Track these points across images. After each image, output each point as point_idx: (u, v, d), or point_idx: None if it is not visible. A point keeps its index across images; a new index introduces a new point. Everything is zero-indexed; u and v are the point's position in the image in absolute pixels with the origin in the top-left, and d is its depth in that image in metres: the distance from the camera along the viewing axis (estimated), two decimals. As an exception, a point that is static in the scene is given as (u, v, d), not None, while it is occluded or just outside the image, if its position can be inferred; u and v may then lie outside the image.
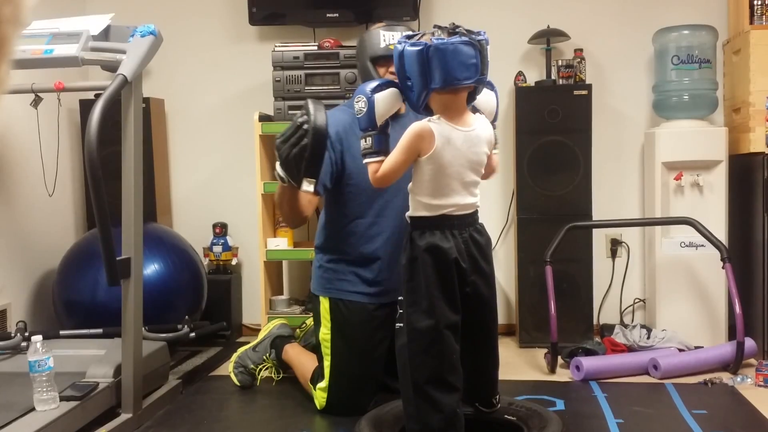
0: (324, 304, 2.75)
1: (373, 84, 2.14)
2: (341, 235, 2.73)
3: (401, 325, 2.18)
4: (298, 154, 2.34)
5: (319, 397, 2.72)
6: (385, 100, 2.11)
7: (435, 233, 2.12)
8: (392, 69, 2.60)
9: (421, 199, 2.14)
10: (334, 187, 2.67)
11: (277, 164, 2.44)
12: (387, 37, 2.69)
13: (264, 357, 3.08)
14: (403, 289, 2.18)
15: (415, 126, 2.08)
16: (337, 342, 2.72)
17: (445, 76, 2.00)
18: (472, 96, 2.15)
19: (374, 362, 2.73)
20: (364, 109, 2.10)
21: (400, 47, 2.05)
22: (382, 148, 2.11)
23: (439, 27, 2.06)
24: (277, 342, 3.07)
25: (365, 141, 2.12)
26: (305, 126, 2.33)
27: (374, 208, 2.69)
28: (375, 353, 2.73)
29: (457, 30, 2.04)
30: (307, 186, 2.38)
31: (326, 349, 2.72)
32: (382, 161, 2.11)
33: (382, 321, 2.73)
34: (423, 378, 2.12)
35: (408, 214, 2.19)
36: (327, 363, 2.71)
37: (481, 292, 2.21)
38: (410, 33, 2.14)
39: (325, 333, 2.74)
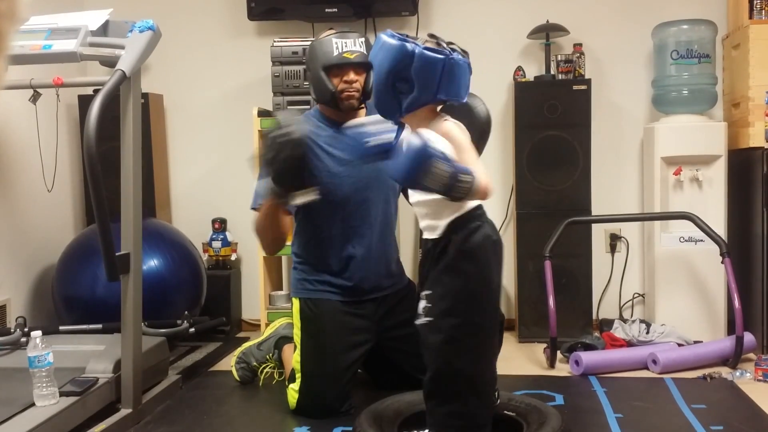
0: (295, 304, 2.77)
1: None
2: (311, 244, 2.76)
3: (430, 319, 2.03)
4: (282, 169, 2.35)
5: (291, 396, 2.70)
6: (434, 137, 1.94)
7: (485, 224, 2.03)
8: (346, 78, 2.61)
9: None
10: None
11: (260, 181, 2.46)
12: (340, 45, 2.63)
13: (267, 356, 3.08)
14: (459, 284, 2.01)
15: (451, 125, 1.98)
16: (305, 342, 2.71)
17: (456, 90, 1.95)
18: None
19: (347, 364, 2.69)
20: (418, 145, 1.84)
21: (410, 47, 1.89)
22: (468, 170, 1.88)
23: (434, 37, 1.96)
24: (281, 343, 3.07)
25: (446, 168, 1.83)
26: (280, 140, 2.33)
27: (342, 217, 2.70)
28: (348, 355, 2.70)
29: (451, 46, 1.96)
30: (299, 200, 2.40)
31: (297, 350, 2.72)
32: (475, 176, 1.89)
33: (359, 322, 2.73)
34: (483, 376, 2.05)
35: (448, 218, 2.01)
36: (297, 364, 2.70)
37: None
38: (393, 34, 1.95)
39: (296, 334, 2.75)
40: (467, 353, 2.02)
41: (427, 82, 1.90)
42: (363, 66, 2.66)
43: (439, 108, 2.03)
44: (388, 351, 2.83)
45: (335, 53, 2.62)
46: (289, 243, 2.84)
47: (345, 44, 2.63)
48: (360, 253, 2.72)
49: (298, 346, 2.73)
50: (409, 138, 1.86)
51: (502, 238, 2.09)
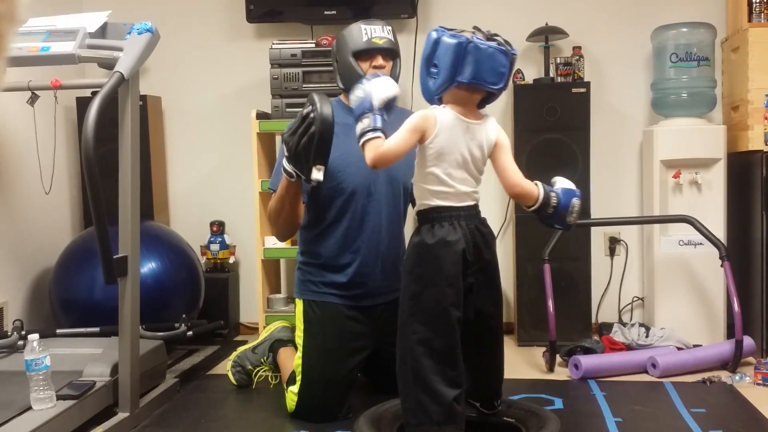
0: (299, 305, 2.77)
1: (369, 77, 2.17)
2: (318, 239, 2.73)
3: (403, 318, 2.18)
4: (307, 142, 2.33)
5: (290, 399, 2.68)
6: (382, 84, 2.12)
7: (444, 225, 2.13)
8: (375, 63, 2.65)
9: (425, 186, 2.15)
10: (313, 189, 2.65)
11: (284, 160, 2.45)
12: (369, 31, 2.66)
13: (262, 360, 3.07)
14: (405, 280, 2.18)
15: (421, 111, 2.14)
16: (308, 344, 2.70)
17: (475, 74, 2.05)
18: (483, 102, 2.19)
19: (348, 369, 2.68)
20: (361, 95, 2.12)
21: (435, 35, 2.08)
22: (380, 126, 2.09)
23: (479, 29, 2.11)
24: (275, 346, 3.06)
25: (363, 122, 2.10)
26: (312, 115, 2.33)
27: (350, 211, 2.68)
28: (349, 360, 2.69)
29: (495, 37, 2.10)
30: (317, 174, 2.36)
31: (299, 352, 2.71)
32: (381, 138, 2.08)
33: (361, 328, 2.73)
34: (424, 369, 2.10)
35: (416, 209, 2.21)
36: (299, 366, 2.69)
37: (484, 285, 2.21)
38: (438, 28, 2.12)
39: (299, 335, 2.74)
40: (413, 349, 2.13)
41: (446, 65, 2.06)
42: (390, 53, 2.71)
43: (479, 98, 2.16)
44: (387, 356, 2.82)
45: (364, 38, 2.66)
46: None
47: (374, 30, 2.67)
48: (367, 248, 2.69)
49: (300, 348, 2.72)
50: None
51: (439, 240, 2.13)
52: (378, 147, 2.09)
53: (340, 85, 2.75)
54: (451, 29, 2.09)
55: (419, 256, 2.16)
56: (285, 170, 2.47)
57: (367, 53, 2.66)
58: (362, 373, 2.87)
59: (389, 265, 2.74)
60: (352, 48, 2.66)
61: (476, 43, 2.04)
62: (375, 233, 2.70)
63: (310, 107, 2.35)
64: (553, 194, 2.22)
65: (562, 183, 2.29)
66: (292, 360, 2.87)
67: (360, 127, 2.11)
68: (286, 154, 2.43)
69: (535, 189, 2.21)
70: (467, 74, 2.05)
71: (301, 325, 2.74)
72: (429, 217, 2.16)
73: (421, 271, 2.14)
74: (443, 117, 2.12)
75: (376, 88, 2.11)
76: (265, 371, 3.07)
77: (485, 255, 2.20)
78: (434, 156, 2.12)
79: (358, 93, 2.14)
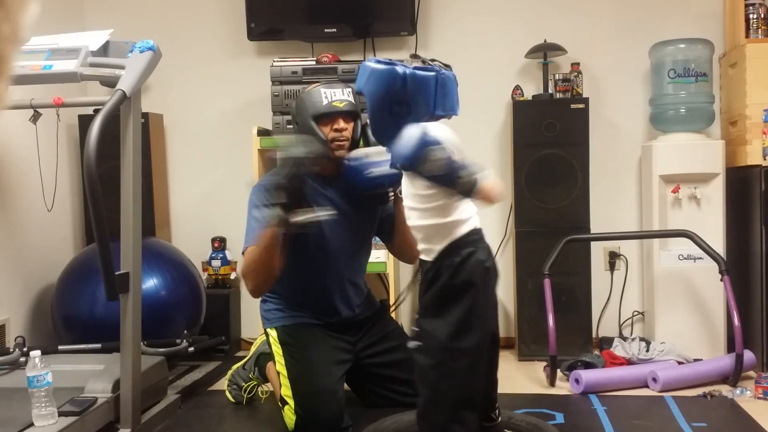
0: (272, 334, 2.80)
1: (418, 129, 1.91)
2: (286, 283, 2.77)
3: (419, 343, 2.06)
4: (290, 183, 2.36)
5: (288, 419, 2.67)
6: (446, 132, 1.98)
7: (480, 249, 2.03)
8: (336, 126, 2.64)
9: (458, 217, 2.01)
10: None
11: (269, 209, 2.40)
12: (329, 95, 2.65)
13: (250, 375, 3.07)
14: (432, 305, 2.04)
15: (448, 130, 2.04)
16: (291, 364, 2.70)
17: (451, 104, 2.00)
18: None
19: (336, 378, 2.70)
20: (446, 155, 1.87)
21: (401, 69, 1.92)
22: (479, 170, 1.92)
23: (417, 56, 2.02)
24: (260, 360, 3.06)
25: (467, 171, 1.89)
26: (292, 158, 2.36)
27: (316, 263, 2.74)
28: (336, 368, 2.72)
29: (434, 62, 2.00)
30: (303, 216, 2.37)
31: (285, 379, 2.70)
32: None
33: (337, 342, 2.78)
34: (459, 400, 2.04)
35: (441, 243, 2.02)
36: (287, 390, 2.67)
37: None
38: (379, 60, 2.00)
39: (279, 362, 2.74)
40: (453, 378, 2.02)
41: (424, 101, 1.93)
42: (351, 115, 2.71)
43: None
44: (369, 367, 2.87)
45: (324, 102, 2.64)
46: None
47: (334, 93, 2.66)
48: (332, 295, 2.80)
49: (283, 373, 2.71)
50: (408, 128, 1.89)
51: (496, 263, 2.08)
52: (495, 187, 1.93)
53: None
54: (385, 61, 1.97)
55: (476, 280, 2.01)
56: (271, 219, 2.40)
57: (328, 116, 2.65)
58: (350, 388, 2.89)
59: (354, 301, 2.87)
60: (312, 112, 2.65)
61: (446, 74, 1.97)
62: (340, 280, 2.80)
63: (284, 152, 2.38)
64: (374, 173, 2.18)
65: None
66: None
67: (466, 173, 1.88)
68: (272, 200, 2.39)
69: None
70: (443, 107, 1.97)
71: (279, 350, 2.75)
72: (474, 239, 2.04)
73: (475, 298, 2.01)
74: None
75: (447, 138, 1.94)
76: (254, 386, 3.07)
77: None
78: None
79: (439, 154, 1.85)
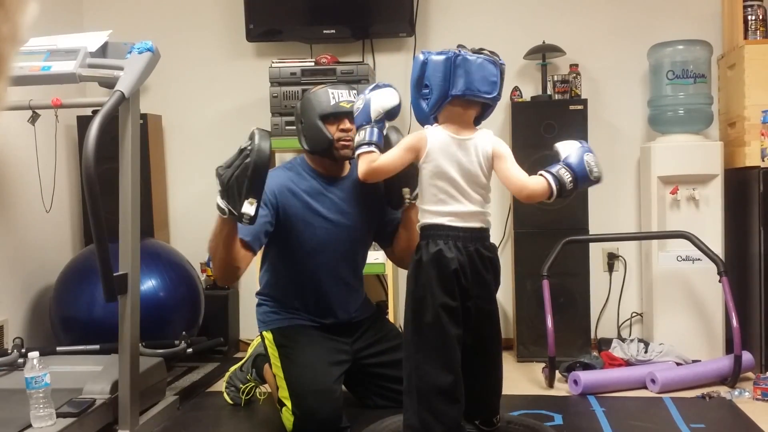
0: (267, 337, 2.80)
1: (371, 85, 2.25)
2: (280, 285, 2.81)
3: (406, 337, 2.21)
4: (241, 174, 2.31)
5: (287, 420, 2.67)
6: (382, 95, 2.19)
7: (438, 242, 2.14)
8: (342, 126, 2.67)
9: (423, 206, 2.20)
10: (271, 243, 2.72)
11: (217, 196, 2.40)
12: (336, 95, 2.67)
13: (247, 376, 3.07)
14: (407, 299, 2.21)
15: (419, 131, 2.20)
16: (288, 366, 2.70)
17: (468, 85, 2.10)
18: (478, 119, 2.23)
19: (334, 378, 2.69)
20: (361, 106, 2.19)
21: (422, 57, 2.13)
22: (375, 140, 2.18)
23: (463, 47, 2.15)
24: (258, 361, 3.05)
25: (359, 134, 2.20)
26: (248, 148, 2.33)
27: (312, 265, 2.75)
28: (333, 369, 2.71)
29: (482, 51, 2.14)
30: (249, 208, 2.31)
31: (282, 381, 2.69)
32: (375, 153, 2.16)
33: (335, 344, 2.78)
34: (428, 387, 2.12)
35: (418, 225, 2.24)
36: (285, 391, 2.67)
37: (484, 310, 2.22)
38: (424, 51, 2.19)
39: (275, 365, 2.74)
40: (418, 368, 2.14)
41: (438, 82, 2.10)
42: None
43: (474, 114, 2.21)
44: (367, 368, 2.87)
45: (332, 102, 2.66)
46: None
47: (340, 94, 2.68)
48: (328, 298, 2.80)
49: (280, 375, 2.70)
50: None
51: (441, 257, 2.14)
52: (372, 161, 2.15)
53: (305, 146, 2.75)
54: (439, 52, 2.14)
55: (415, 274, 2.18)
56: (218, 206, 2.41)
57: (334, 116, 2.67)
58: (347, 389, 2.89)
59: (351, 304, 2.88)
60: (319, 111, 2.66)
61: (464, 56, 2.09)
62: (337, 283, 2.80)
63: (249, 141, 2.35)
64: (563, 171, 2.20)
65: (564, 149, 2.27)
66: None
67: (357, 139, 2.19)
68: (219, 188, 2.39)
69: (544, 183, 2.20)
70: (460, 86, 2.09)
71: (275, 353, 2.74)
72: (425, 234, 2.19)
73: (418, 289, 2.16)
74: (434, 136, 2.15)
75: (375, 98, 2.17)
76: (252, 387, 3.07)
77: (486, 278, 2.20)
78: (429, 175, 2.15)
79: (358, 103, 2.20)
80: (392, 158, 2.17)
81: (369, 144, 2.17)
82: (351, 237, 2.79)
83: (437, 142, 2.14)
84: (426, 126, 2.20)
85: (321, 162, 2.76)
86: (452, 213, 2.15)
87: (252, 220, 2.34)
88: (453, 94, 2.10)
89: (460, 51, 2.11)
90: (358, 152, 2.19)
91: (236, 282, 2.76)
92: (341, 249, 2.77)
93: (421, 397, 2.12)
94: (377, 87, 2.25)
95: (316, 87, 2.76)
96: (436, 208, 2.16)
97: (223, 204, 2.39)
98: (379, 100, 2.19)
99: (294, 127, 3.04)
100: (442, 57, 2.10)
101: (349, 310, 2.86)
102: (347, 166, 2.82)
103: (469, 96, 2.12)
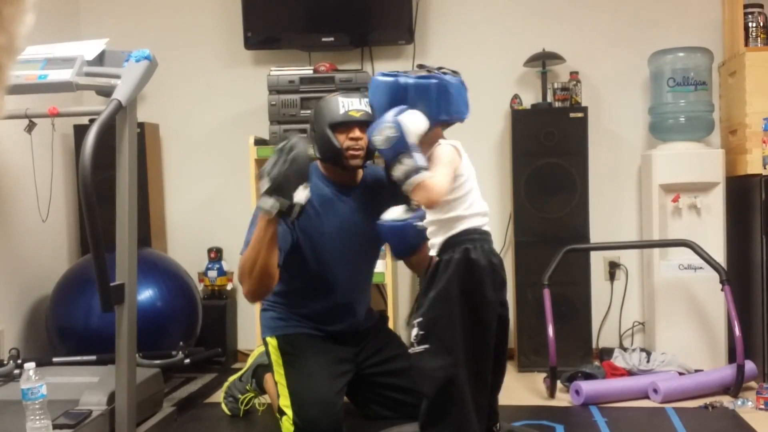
0: (272, 343, 2.77)
1: (393, 111, 2.05)
2: (289, 291, 2.78)
3: (426, 346, 2.09)
4: (290, 166, 2.33)
5: (286, 429, 2.64)
6: (411, 119, 2.03)
7: (483, 245, 2.11)
8: (352, 135, 2.65)
9: (458, 213, 2.10)
10: (292, 253, 2.68)
11: (262, 198, 2.38)
12: (346, 104, 2.65)
13: (247, 387, 3.04)
14: (442, 297, 2.08)
15: (444, 144, 2.11)
16: (291, 374, 2.68)
17: (456, 108, 2.09)
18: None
19: (336, 389, 2.67)
20: (395, 134, 1.99)
21: (402, 80, 2.07)
22: (425, 165, 2.00)
23: (423, 66, 2.13)
24: (258, 372, 3.03)
25: (404, 163, 1.99)
26: (287, 145, 2.37)
27: (322, 272, 2.74)
28: (336, 381, 2.69)
29: (442, 70, 2.11)
30: (301, 194, 2.36)
31: (283, 389, 2.67)
32: (433, 177, 2.02)
33: (339, 354, 2.76)
34: (465, 398, 2.07)
35: (443, 237, 2.12)
36: (286, 399, 2.65)
37: (505, 316, 2.21)
38: (385, 73, 2.14)
39: (278, 372, 2.72)
40: (458, 380, 2.05)
41: (426, 107, 2.05)
42: (367, 125, 2.66)
43: (444, 130, 2.17)
44: (369, 376, 2.85)
45: (341, 111, 2.64)
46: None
47: (351, 103, 2.66)
48: (337, 306, 2.79)
49: (282, 383, 2.68)
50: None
51: (496, 264, 2.12)
52: (433, 187, 1.99)
53: (316, 154, 2.73)
54: (391, 73, 2.11)
55: (467, 270, 2.07)
56: (263, 210, 2.39)
57: (344, 125, 2.65)
58: (348, 399, 2.87)
59: (359, 313, 2.87)
60: (329, 120, 2.65)
61: (448, 80, 2.08)
62: (346, 292, 2.79)
63: (284, 141, 2.40)
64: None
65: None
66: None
67: (402, 169, 1.99)
68: (268, 186, 2.36)
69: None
70: (447, 112, 2.09)
71: (279, 360, 2.72)
72: (459, 240, 2.10)
73: (467, 290, 2.07)
74: (458, 145, 2.13)
75: (407, 123, 2.00)
76: (250, 398, 3.04)
77: (505, 281, 2.20)
78: (464, 181, 2.11)
79: (388, 132, 2.00)
80: (446, 179, 2.04)
81: (422, 169, 1.99)
82: (361, 245, 2.78)
83: (462, 150, 2.13)
84: (440, 141, 2.12)
85: (333, 170, 2.75)
86: (480, 213, 2.14)
87: (302, 209, 2.39)
88: (441, 119, 2.10)
89: (441, 75, 2.09)
90: (414, 181, 1.99)
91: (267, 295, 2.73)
92: (353, 257, 2.76)
93: (457, 407, 2.05)
94: (401, 111, 2.04)
95: (330, 94, 2.75)
96: (472, 210, 2.12)
97: (270, 202, 2.36)
98: (412, 125, 2.03)
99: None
100: (430, 82, 2.06)
101: (356, 318, 2.85)
102: (360, 174, 2.80)
103: (452, 121, 2.14)
